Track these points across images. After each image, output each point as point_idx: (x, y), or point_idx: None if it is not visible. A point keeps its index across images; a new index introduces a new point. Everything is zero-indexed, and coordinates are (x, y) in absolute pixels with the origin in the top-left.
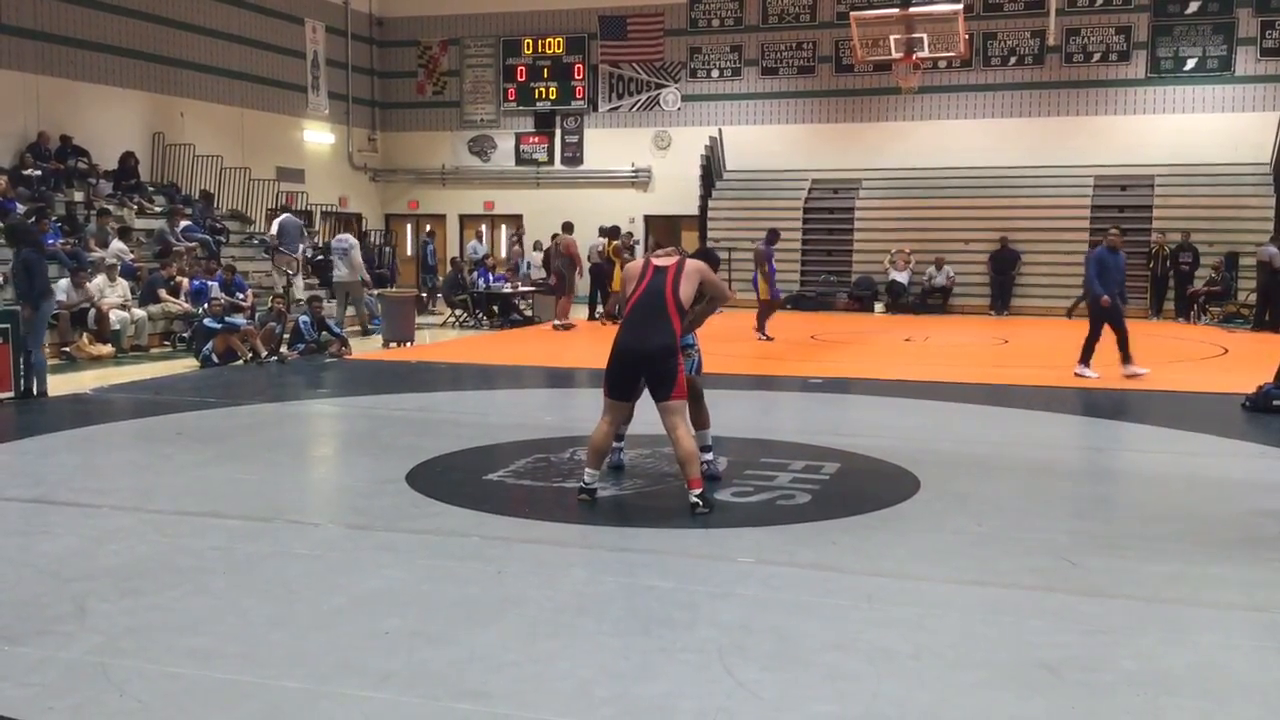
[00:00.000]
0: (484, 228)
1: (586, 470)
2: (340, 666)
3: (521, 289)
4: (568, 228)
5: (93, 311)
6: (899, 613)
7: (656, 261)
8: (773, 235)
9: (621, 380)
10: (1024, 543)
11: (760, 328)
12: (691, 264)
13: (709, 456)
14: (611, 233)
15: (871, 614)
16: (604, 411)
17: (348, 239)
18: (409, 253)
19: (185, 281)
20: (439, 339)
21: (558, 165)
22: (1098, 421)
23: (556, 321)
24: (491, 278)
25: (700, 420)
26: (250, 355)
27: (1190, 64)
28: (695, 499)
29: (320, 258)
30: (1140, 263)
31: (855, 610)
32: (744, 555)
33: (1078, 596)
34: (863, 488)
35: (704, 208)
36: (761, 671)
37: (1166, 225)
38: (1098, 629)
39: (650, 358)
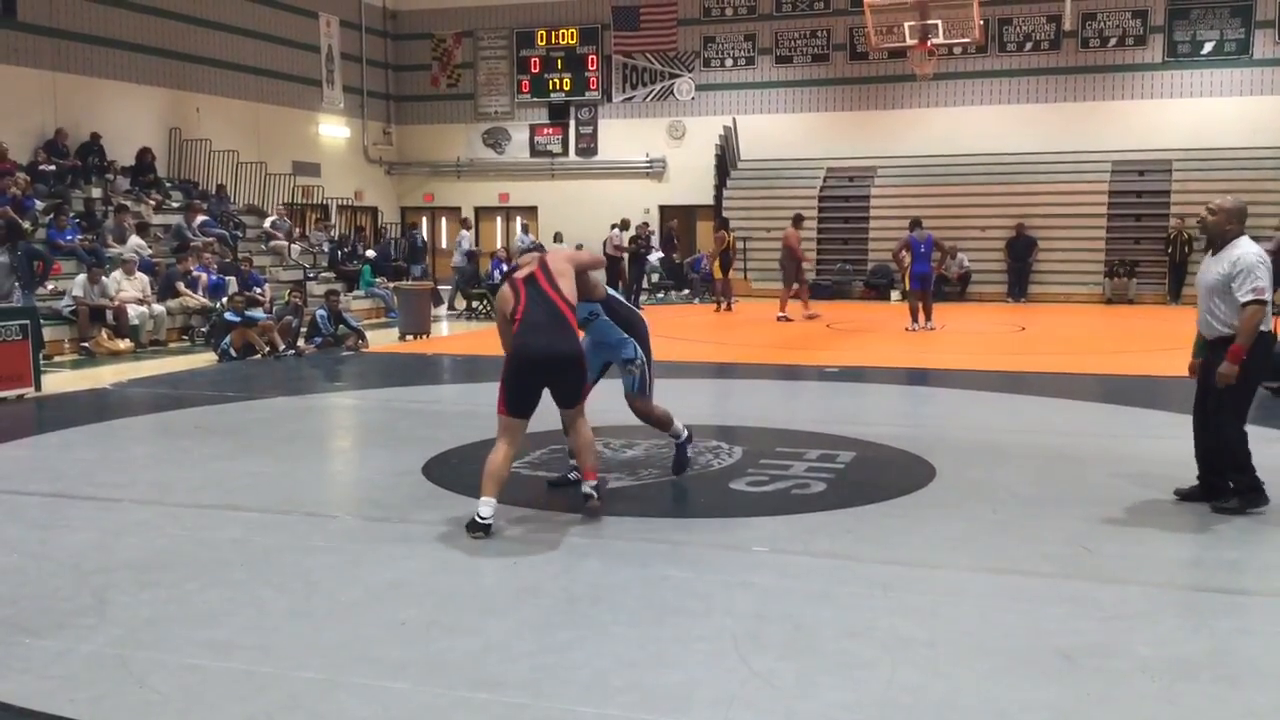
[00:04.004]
0: (499, 220)
1: (484, 501)
2: (357, 657)
3: None
4: (797, 220)
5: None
6: (914, 601)
7: (519, 275)
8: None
9: (529, 391)
10: (1040, 530)
11: (929, 316)
12: (554, 259)
13: (685, 433)
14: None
15: (887, 602)
16: (501, 433)
17: (467, 236)
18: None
19: (203, 276)
20: (455, 331)
21: (572, 156)
22: (1115, 408)
23: (779, 314)
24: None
25: (665, 420)
26: (268, 349)
27: (1208, 47)
28: (589, 490)
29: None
30: (1159, 248)
31: (870, 598)
32: (759, 544)
33: (1094, 583)
34: (878, 476)
35: (719, 197)
36: (777, 660)
37: (1185, 210)
38: (1114, 615)
39: (562, 363)
